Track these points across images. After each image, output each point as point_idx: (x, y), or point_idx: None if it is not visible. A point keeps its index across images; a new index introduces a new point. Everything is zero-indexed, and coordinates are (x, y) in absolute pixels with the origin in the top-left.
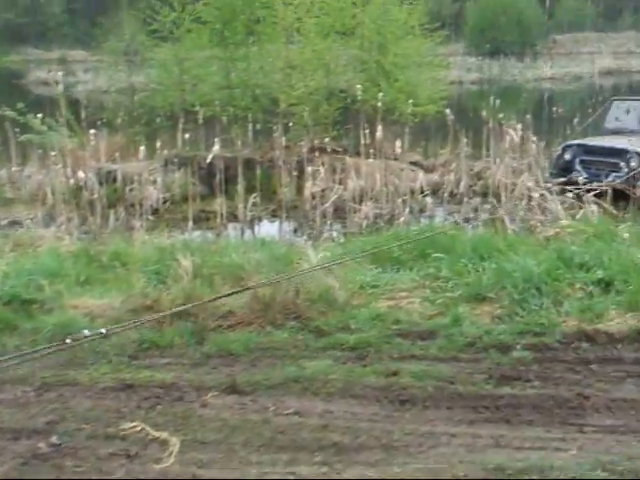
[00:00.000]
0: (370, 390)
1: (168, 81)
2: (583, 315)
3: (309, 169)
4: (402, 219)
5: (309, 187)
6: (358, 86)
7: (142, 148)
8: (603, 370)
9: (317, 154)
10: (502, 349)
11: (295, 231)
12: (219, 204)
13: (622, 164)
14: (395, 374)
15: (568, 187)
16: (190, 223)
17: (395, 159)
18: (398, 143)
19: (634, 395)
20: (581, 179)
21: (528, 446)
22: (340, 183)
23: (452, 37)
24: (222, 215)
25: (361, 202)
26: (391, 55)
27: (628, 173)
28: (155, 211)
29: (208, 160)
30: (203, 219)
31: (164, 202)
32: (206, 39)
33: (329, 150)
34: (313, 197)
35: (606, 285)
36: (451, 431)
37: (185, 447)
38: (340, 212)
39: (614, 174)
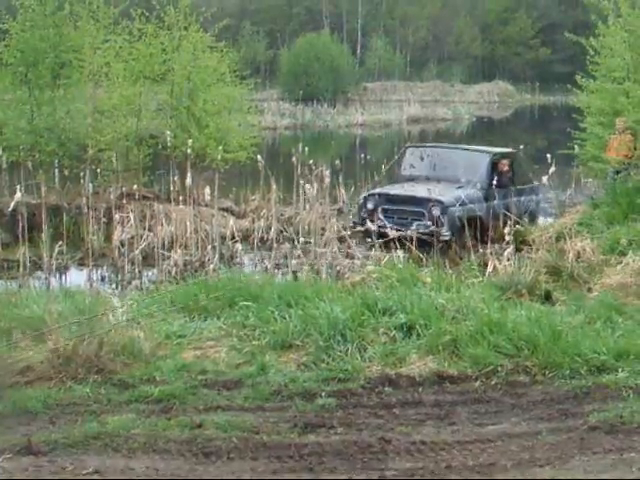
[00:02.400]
0: (174, 444)
1: None
2: (386, 360)
3: (117, 216)
4: (212, 266)
5: (118, 234)
6: (168, 132)
7: None
8: (405, 413)
9: (126, 200)
10: (307, 397)
11: (103, 280)
12: (22, 252)
13: (425, 213)
14: (200, 426)
15: (374, 232)
16: None
17: (206, 205)
18: (207, 189)
19: (433, 437)
20: (388, 231)
21: None
22: (150, 230)
23: (267, 83)
24: (25, 264)
25: (171, 249)
26: (201, 101)
27: (430, 221)
28: None
29: (11, 207)
30: (5, 269)
31: None
32: (8, 81)
33: (139, 196)
34: (122, 244)
35: (408, 329)
36: None
37: None
38: (150, 259)
39: (417, 223)
